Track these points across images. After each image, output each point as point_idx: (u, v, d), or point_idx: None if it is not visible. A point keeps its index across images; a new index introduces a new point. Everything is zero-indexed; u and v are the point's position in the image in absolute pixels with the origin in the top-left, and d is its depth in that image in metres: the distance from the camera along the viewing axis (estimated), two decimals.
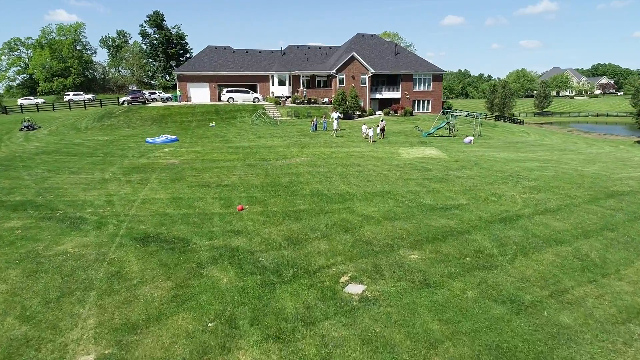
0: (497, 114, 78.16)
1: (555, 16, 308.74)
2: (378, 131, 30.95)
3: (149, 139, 28.90)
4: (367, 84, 50.12)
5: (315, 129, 34.94)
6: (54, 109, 52.89)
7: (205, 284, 8.41)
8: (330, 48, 58.34)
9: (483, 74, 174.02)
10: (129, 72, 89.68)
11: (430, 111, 53.77)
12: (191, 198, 14.26)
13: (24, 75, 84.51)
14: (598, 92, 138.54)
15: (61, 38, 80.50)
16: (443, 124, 34.92)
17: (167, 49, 78.20)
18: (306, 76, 51.66)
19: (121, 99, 50.76)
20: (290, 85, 51.62)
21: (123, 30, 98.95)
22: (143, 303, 7.80)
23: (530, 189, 14.84)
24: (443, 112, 41.27)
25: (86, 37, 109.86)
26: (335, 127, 32.29)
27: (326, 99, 49.60)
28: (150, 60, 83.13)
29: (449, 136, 33.36)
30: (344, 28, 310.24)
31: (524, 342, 6.43)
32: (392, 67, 52.89)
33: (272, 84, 51.71)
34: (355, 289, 8.12)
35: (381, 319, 7.08)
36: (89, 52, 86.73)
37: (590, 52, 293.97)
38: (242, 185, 15.86)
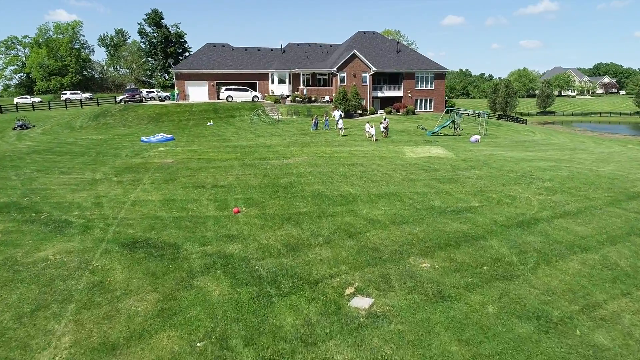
0: (499, 113, 77.31)
1: (555, 16, 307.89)
2: (382, 129, 30.08)
3: (144, 138, 28.05)
4: (368, 83, 49.25)
5: (316, 127, 34.09)
6: (50, 108, 52.09)
7: (195, 296, 7.60)
8: (331, 46, 57.45)
9: (484, 74, 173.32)
10: (128, 71, 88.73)
11: (432, 110, 52.89)
12: (185, 200, 13.43)
13: (21, 74, 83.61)
14: (600, 91, 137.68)
15: (58, 36, 79.59)
16: (448, 123, 34.06)
17: (166, 48, 77.27)
18: (306, 74, 50.79)
19: (118, 98, 49.93)
20: (290, 83, 50.75)
21: (121, 29, 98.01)
22: (125, 318, 7.00)
23: (545, 190, 13.98)
24: (447, 110, 40.39)
25: (84, 36, 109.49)
26: (340, 126, 30.93)
27: (327, 98, 48.73)
28: (149, 59, 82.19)
29: (454, 135, 32.50)
30: (344, 28, 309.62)
31: None
32: (393, 65, 52.00)
33: (272, 83, 50.83)
34: (362, 302, 7.28)
35: (392, 339, 6.25)
36: (86, 50, 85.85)
37: (591, 52, 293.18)
38: (239, 186, 15.03)
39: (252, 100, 46.64)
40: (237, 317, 6.91)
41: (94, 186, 15.44)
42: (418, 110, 52.12)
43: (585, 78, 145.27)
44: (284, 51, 54.42)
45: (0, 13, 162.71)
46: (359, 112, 45.91)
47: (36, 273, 8.65)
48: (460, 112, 38.06)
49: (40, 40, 78.89)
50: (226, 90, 47.07)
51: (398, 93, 52.23)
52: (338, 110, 36.66)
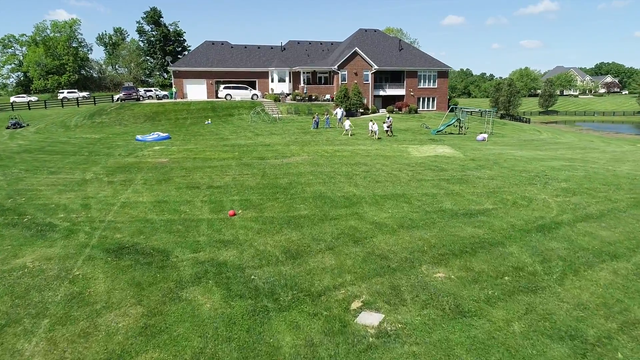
0: (502, 112, 76.41)
1: (555, 16, 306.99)
2: (385, 127, 29.17)
3: (138, 137, 27.20)
4: (370, 81, 48.37)
5: (317, 126, 33.23)
6: (46, 107, 51.29)
7: (183, 310, 6.78)
8: (332, 44, 56.57)
9: (485, 73, 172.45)
10: (126, 69, 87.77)
11: (435, 109, 52.01)
12: (177, 201, 12.59)
13: (19, 73, 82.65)
14: (602, 90, 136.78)
15: (56, 35, 78.59)
16: (453, 121, 33.21)
17: (165, 46, 76.33)
18: (307, 72, 49.92)
19: (115, 97, 49.08)
20: (290, 81, 49.89)
21: (120, 28, 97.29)
22: (104, 336, 6.20)
23: (563, 192, 13.11)
24: (451, 109, 39.48)
25: (82, 34, 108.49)
26: (347, 127, 29.12)
27: (328, 96, 47.85)
28: (148, 57, 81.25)
29: (459, 134, 31.64)
30: (344, 28, 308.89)
31: None
32: (396, 63, 51.10)
33: (272, 81, 49.96)
34: (371, 319, 6.45)
35: None
36: (84, 49, 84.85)
37: (591, 52, 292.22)
38: (236, 187, 14.18)
39: (252, 98, 45.80)
40: (230, 336, 6.09)
41: (83, 187, 14.61)
42: (421, 109, 51.26)
43: (587, 77, 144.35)
44: (284, 49, 53.56)
45: (0, 13, 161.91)
46: (361, 110, 45.07)
47: (11, 283, 7.86)
48: (466, 110, 37.12)
49: (38, 38, 77.85)
50: (225, 88, 46.24)
51: (400, 91, 51.34)
52: (340, 109, 35.81)
